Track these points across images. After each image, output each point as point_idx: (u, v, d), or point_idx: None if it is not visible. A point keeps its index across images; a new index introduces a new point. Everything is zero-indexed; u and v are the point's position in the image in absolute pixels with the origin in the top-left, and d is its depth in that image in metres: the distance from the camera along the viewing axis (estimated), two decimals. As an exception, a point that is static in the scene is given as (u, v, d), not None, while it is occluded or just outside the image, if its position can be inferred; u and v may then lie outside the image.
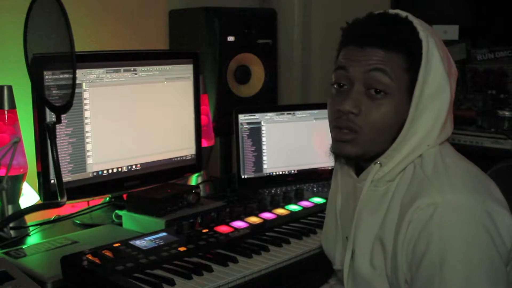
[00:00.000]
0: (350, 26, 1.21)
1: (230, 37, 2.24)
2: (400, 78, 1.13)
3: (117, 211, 1.79)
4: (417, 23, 1.16)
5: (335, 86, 1.19)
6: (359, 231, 1.20)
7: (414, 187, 1.12)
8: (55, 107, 1.45)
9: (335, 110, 1.17)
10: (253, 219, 1.68)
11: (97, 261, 1.36)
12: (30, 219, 1.77)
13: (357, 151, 1.16)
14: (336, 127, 1.18)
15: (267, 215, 1.72)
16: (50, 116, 1.57)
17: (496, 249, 1.05)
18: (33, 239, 1.69)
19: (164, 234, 1.54)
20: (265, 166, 2.20)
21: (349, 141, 1.16)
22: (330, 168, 2.26)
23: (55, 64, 1.49)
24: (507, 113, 2.57)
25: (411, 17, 1.17)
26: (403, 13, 1.18)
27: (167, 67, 1.95)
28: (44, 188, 1.64)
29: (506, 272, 1.08)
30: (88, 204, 1.93)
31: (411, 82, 1.13)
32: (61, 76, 1.54)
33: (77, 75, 1.42)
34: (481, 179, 1.15)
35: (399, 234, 1.10)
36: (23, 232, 1.71)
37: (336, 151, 1.20)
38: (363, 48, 1.14)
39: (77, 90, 1.48)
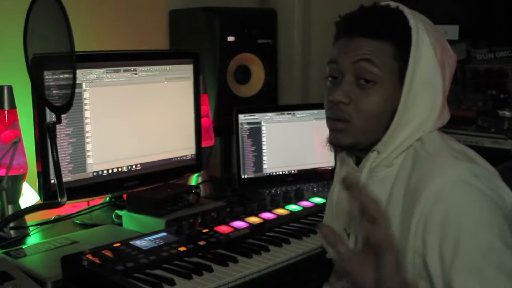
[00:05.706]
0: (341, 20, 1.23)
1: (230, 37, 2.23)
2: (389, 66, 1.15)
3: (117, 211, 1.79)
4: (407, 12, 1.18)
5: (329, 79, 1.22)
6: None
7: (418, 167, 1.13)
8: (55, 107, 1.45)
9: (327, 101, 1.21)
10: (253, 219, 1.68)
11: (97, 261, 1.36)
12: (30, 219, 1.77)
13: (350, 140, 1.19)
14: (329, 118, 1.21)
15: (267, 215, 1.72)
16: (50, 116, 1.57)
17: (504, 215, 1.06)
18: (33, 239, 1.69)
19: (164, 234, 1.54)
20: (265, 166, 2.20)
21: (341, 130, 1.19)
22: (330, 168, 2.26)
23: (55, 64, 1.49)
24: (507, 113, 2.56)
25: (401, 7, 1.19)
26: (393, 4, 1.20)
27: (167, 67, 1.95)
28: (44, 188, 1.64)
29: None
30: (88, 204, 1.93)
31: (401, 70, 1.15)
32: (61, 76, 1.54)
33: (77, 75, 1.42)
34: (478, 156, 1.17)
35: (411, 220, 1.09)
36: (23, 232, 1.71)
37: (332, 141, 1.23)
38: (352, 39, 1.16)
39: (77, 90, 1.48)
